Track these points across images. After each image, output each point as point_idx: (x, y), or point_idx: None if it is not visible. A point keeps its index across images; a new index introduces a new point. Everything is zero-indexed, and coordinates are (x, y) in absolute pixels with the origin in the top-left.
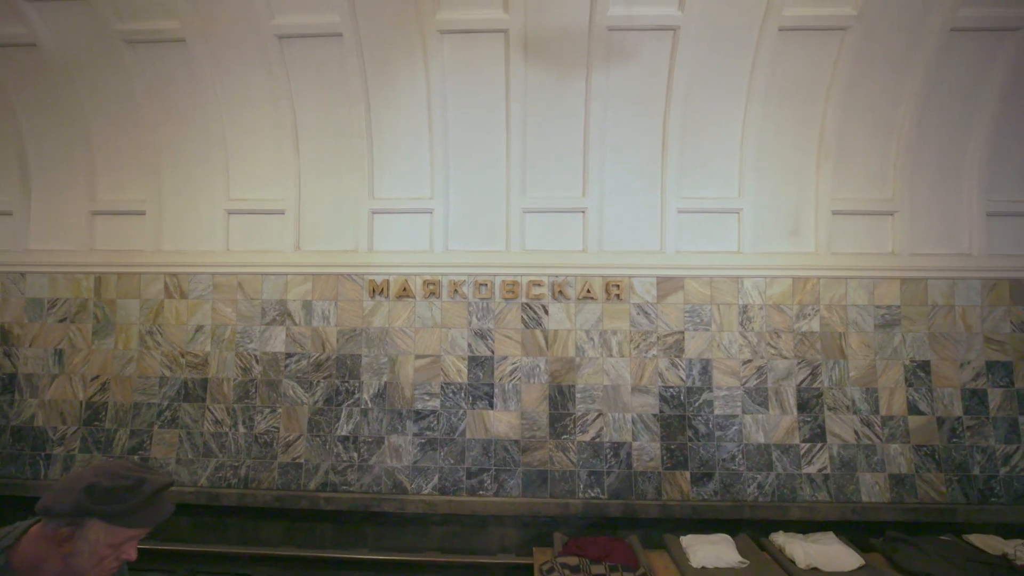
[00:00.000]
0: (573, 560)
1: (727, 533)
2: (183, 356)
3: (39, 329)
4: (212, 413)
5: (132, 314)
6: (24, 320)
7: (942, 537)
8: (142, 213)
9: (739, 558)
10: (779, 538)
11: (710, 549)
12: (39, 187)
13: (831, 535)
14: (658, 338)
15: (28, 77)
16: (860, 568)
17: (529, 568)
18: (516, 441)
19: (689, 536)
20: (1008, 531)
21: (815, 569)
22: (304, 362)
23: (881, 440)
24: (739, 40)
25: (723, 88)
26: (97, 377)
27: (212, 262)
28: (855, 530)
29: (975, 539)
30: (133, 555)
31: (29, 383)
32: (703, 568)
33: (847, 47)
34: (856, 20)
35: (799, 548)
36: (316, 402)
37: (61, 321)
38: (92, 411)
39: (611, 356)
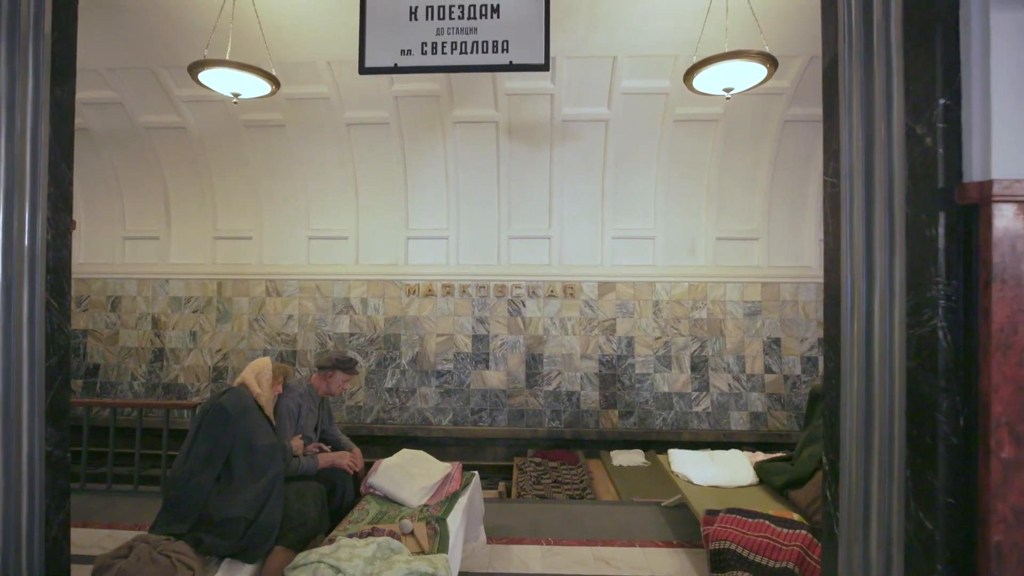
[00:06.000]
0: (537, 459)
1: (641, 449)
2: (279, 336)
3: (179, 318)
4: (299, 374)
5: (243, 307)
6: (168, 312)
7: (781, 452)
8: (249, 238)
9: (643, 460)
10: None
11: (626, 456)
12: (177, 220)
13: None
14: (598, 323)
15: (176, 148)
16: None
17: (510, 467)
18: (503, 390)
19: (615, 451)
20: None
21: None
22: (362, 339)
23: (746, 390)
24: (649, 127)
25: (640, 157)
26: (220, 350)
27: (298, 272)
28: (725, 448)
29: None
30: (347, 386)
31: (173, 355)
32: (619, 465)
33: (719, 132)
34: (723, 116)
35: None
36: (370, 365)
37: (194, 312)
38: (217, 372)
39: (567, 335)
